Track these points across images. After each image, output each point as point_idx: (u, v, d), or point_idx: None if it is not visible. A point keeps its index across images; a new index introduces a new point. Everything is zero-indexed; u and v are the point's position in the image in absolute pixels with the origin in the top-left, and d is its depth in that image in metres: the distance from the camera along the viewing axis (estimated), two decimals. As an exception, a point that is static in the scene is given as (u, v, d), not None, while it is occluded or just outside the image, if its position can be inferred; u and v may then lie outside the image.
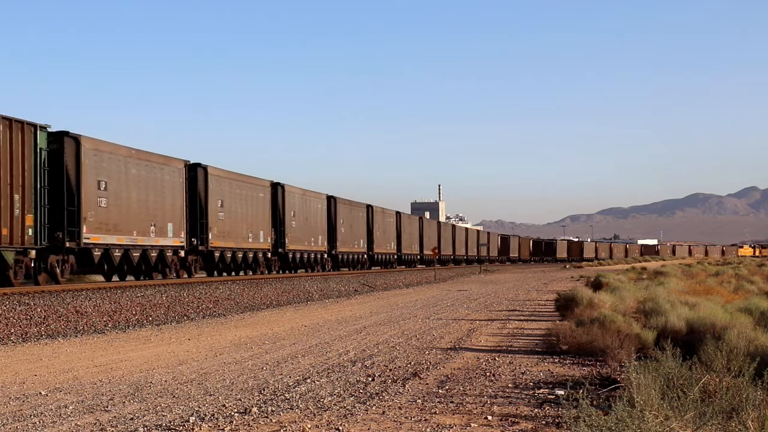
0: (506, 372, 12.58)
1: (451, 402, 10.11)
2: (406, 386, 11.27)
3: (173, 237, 35.31)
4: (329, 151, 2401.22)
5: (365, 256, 64.60)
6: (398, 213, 74.97)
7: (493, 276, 67.58)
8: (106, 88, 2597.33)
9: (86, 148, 29.33)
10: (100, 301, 24.85)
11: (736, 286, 31.35)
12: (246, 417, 9.29)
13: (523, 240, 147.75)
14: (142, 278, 34.15)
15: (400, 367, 13.20)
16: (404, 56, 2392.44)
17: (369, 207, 65.64)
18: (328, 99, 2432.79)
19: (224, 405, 10.01)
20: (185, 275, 37.34)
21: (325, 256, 55.53)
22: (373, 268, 65.83)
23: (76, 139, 28.94)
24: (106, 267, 31.55)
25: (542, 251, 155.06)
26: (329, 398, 10.37)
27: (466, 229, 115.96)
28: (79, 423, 9.10)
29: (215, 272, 41.37)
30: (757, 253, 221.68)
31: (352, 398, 10.38)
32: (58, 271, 28.62)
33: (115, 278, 33.50)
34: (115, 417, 9.38)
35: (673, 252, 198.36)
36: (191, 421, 9.07)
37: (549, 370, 12.80)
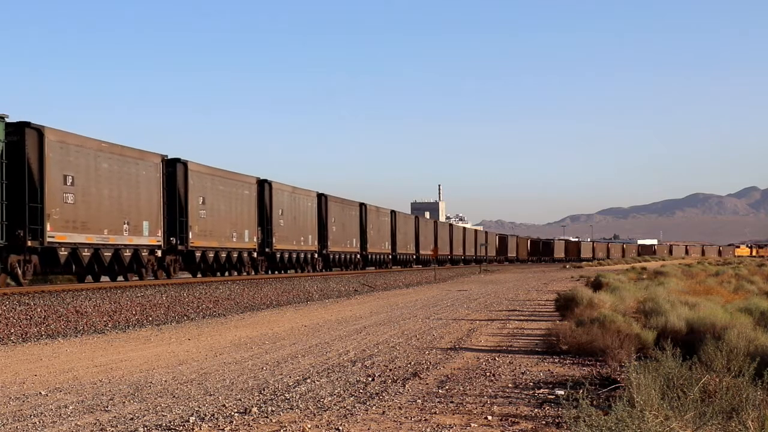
0: (506, 372, 12.57)
1: (451, 402, 10.11)
2: (406, 386, 11.27)
3: (149, 236, 33.47)
4: (329, 151, 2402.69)
5: (358, 255, 62.82)
6: (393, 212, 73.25)
7: (493, 276, 67.57)
8: (106, 88, 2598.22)
9: (50, 140, 27.29)
10: (100, 301, 24.85)
11: (736, 286, 31.34)
12: (246, 417, 9.29)
13: (521, 240, 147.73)
14: (119, 279, 32.77)
15: (400, 367, 13.20)
16: (404, 56, 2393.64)
17: (362, 205, 63.78)
18: (328, 99, 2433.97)
19: (224, 405, 10.01)
20: (164, 276, 35.73)
21: (316, 255, 53.82)
22: (367, 268, 64.09)
23: (39, 131, 26.95)
24: (74, 267, 29.65)
25: (540, 251, 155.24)
26: (329, 398, 10.37)
27: (464, 228, 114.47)
28: (79, 423, 9.10)
29: (198, 273, 39.65)
30: (754, 253, 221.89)
31: (352, 398, 10.37)
32: (19, 272, 26.81)
33: (88, 278, 31.98)
34: (115, 417, 9.38)
35: (670, 252, 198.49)
36: (191, 421, 9.07)
37: (549, 370, 12.80)
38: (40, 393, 11.02)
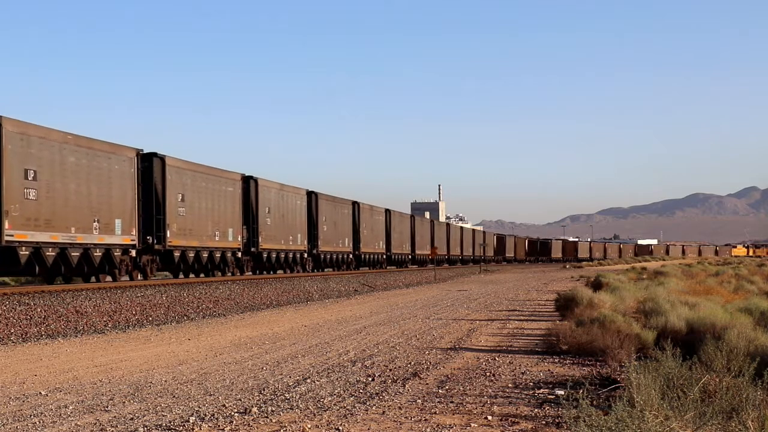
0: (506, 372, 12.57)
1: (451, 402, 10.11)
2: (406, 386, 11.27)
3: (122, 234, 31.59)
4: (329, 152, 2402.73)
5: (351, 256, 60.94)
6: (388, 210, 71.42)
7: (493, 276, 67.57)
8: (106, 88, 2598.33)
9: (9, 131, 25.56)
10: (100, 301, 24.85)
11: (736, 286, 31.34)
12: (246, 417, 9.29)
13: (519, 240, 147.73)
14: (93, 280, 31.38)
15: (400, 367, 13.20)
16: (404, 56, 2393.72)
17: (355, 204, 61.87)
18: (328, 99, 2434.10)
19: (224, 405, 10.01)
20: (140, 277, 34.06)
21: (305, 255, 52.00)
22: (361, 268, 62.47)
23: None
24: (37, 268, 27.91)
25: (537, 251, 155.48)
26: (329, 398, 10.37)
27: (461, 228, 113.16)
28: (79, 423, 9.10)
29: (180, 274, 38.11)
30: (750, 253, 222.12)
31: (352, 398, 10.37)
32: None
33: (59, 280, 30.72)
34: (115, 417, 9.38)
35: (667, 252, 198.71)
36: (191, 421, 9.07)
37: (549, 370, 12.80)
38: (40, 393, 11.02)
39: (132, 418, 9.28)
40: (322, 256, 54.89)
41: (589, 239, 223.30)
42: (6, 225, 25.47)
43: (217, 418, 9.22)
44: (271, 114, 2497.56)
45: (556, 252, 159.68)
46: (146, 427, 8.86)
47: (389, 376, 12.23)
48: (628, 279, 38.37)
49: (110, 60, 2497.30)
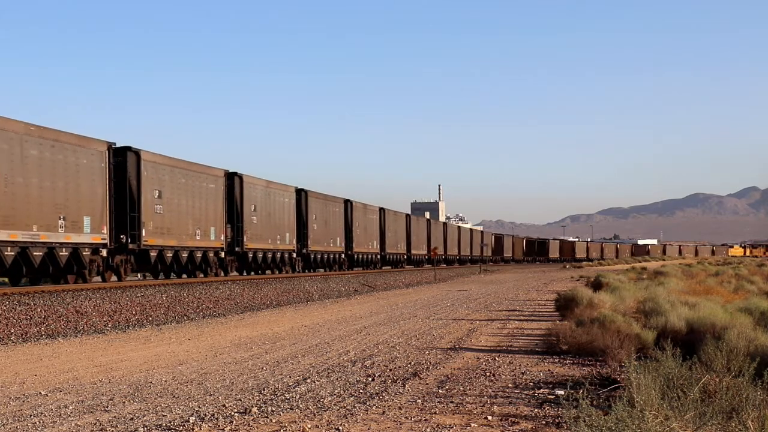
0: (506, 372, 12.57)
1: (451, 402, 10.11)
2: (406, 386, 11.26)
3: (92, 233, 29.64)
4: (329, 152, 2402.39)
5: (343, 255, 59.19)
6: (382, 209, 69.53)
7: (493, 276, 67.56)
8: (106, 88, 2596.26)
9: None
10: (100, 301, 24.85)
11: (736, 286, 31.34)
12: (246, 417, 9.29)
13: (517, 240, 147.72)
14: (61, 282, 29.53)
15: (400, 367, 13.19)
16: (404, 56, 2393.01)
17: (347, 202, 60.03)
18: (328, 99, 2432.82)
19: (224, 405, 10.01)
20: (114, 278, 32.40)
21: (294, 255, 50.21)
22: (354, 269, 60.88)
23: None
24: None
25: (535, 251, 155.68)
26: (329, 398, 10.37)
27: (459, 227, 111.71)
28: (79, 423, 9.10)
29: (160, 275, 36.74)
30: (747, 253, 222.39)
31: (352, 398, 10.37)
32: None
33: (25, 281, 29.30)
34: (115, 417, 9.38)
35: (664, 252, 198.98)
36: (191, 421, 9.06)
37: (549, 370, 12.80)
38: (40, 393, 11.02)
39: (132, 418, 9.28)
40: (313, 256, 53.33)
41: (589, 239, 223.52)
42: None
43: (217, 418, 9.22)
44: (271, 114, 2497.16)
45: (554, 252, 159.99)
46: (146, 427, 8.85)
47: (389, 376, 12.23)
48: (628, 279, 38.36)
49: (110, 60, 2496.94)
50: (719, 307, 17.73)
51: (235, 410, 9.67)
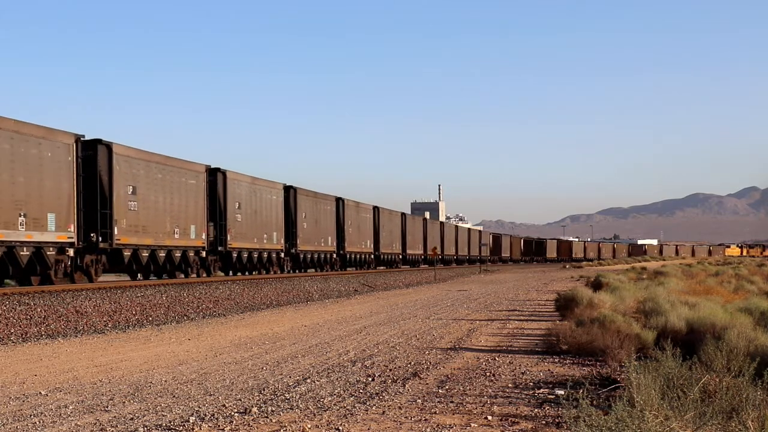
0: (506, 372, 12.57)
1: (451, 402, 10.11)
2: (406, 386, 11.26)
3: (57, 231, 27.78)
4: (329, 152, 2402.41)
5: (335, 255, 57.57)
6: (376, 208, 68.07)
7: (493, 276, 67.56)
8: (107, 88, 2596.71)
9: None
10: (100, 301, 24.85)
11: (736, 286, 31.34)
12: (246, 417, 9.29)
13: (515, 239, 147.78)
14: (25, 283, 28.10)
15: (400, 367, 13.19)
16: (404, 56, 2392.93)
17: (339, 200, 58.62)
18: (329, 99, 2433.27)
19: (224, 405, 10.01)
20: (84, 279, 30.62)
21: (282, 255, 48.55)
22: (348, 269, 59.73)
23: None
24: None
25: (533, 251, 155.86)
26: (329, 398, 10.37)
27: (456, 227, 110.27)
28: (79, 423, 9.10)
29: (138, 275, 35.44)
30: (744, 253, 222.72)
31: (352, 398, 10.37)
32: None
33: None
34: (115, 417, 9.38)
35: (660, 252, 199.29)
36: (191, 421, 9.06)
37: (549, 370, 12.79)
38: (40, 393, 11.02)
39: (132, 418, 9.28)
40: (302, 256, 51.65)
41: (589, 239, 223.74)
42: None
43: (217, 418, 9.22)
44: (272, 114, 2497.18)
45: (551, 252, 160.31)
46: (146, 427, 8.85)
47: (389, 376, 12.23)
48: (628, 279, 38.36)
49: (110, 60, 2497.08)
50: (719, 307, 17.73)
51: (235, 410, 9.68)
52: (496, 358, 14.14)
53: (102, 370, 13.12)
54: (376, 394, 10.68)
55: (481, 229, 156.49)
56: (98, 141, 31.01)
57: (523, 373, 12.40)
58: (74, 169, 28.89)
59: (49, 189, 27.54)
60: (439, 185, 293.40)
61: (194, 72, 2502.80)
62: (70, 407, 9.99)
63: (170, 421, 9.08)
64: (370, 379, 11.93)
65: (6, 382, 12.07)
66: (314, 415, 9.35)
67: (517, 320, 22.28)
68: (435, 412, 9.46)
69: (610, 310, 18.23)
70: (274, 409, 9.73)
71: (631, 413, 6.88)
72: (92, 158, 30.54)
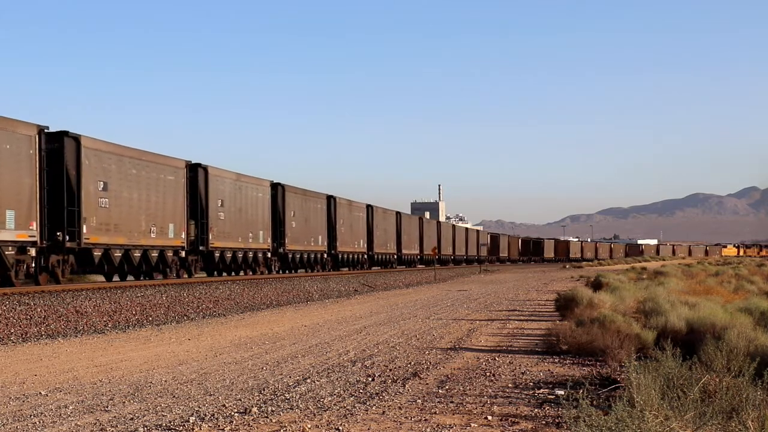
0: (506, 372, 12.57)
1: (451, 402, 10.11)
2: (406, 386, 11.26)
3: (17, 230, 25.84)
4: (329, 152, 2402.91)
5: (326, 255, 56.02)
6: (369, 206, 66.18)
7: (493, 276, 67.57)
8: (106, 88, 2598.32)
9: None
10: (100, 301, 24.85)
11: (736, 286, 31.34)
12: (246, 417, 9.29)
13: (513, 239, 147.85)
14: None
15: (400, 367, 13.20)
16: (404, 56, 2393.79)
17: (330, 198, 57.02)
18: (329, 99, 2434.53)
19: (224, 405, 10.01)
20: (51, 281, 28.85)
21: (269, 255, 47.02)
22: (341, 269, 58.47)
23: None
24: None
25: (531, 251, 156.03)
26: (329, 398, 10.37)
27: (454, 226, 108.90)
28: (79, 423, 9.10)
29: (116, 276, 34.08)
30: (741, 253, 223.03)
31: (352, 398, 10.37)
32: None
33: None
34: (115, 417, 9.38)
35: (657, 252, 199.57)
36: (191, 421, 9.06)
37: (549, 370, 12.80)
38: (40, 393, 11.02)
39: (132, 418, 9.28)
40: (291, 256, 49.82)
41: (589, 239, 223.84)
42: None
43: (217, 418, 9.22)
44: (271, 114, 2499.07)
45: (549, 252, 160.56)
46: (146, 427, 8.85)
47: (389, 376, 12.23)
48: (628, 279, 38.37)
49: (110, 60, 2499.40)
50: (719, 307, 17.73)
51: (235, 410, 9.68)
52: (496, 358, 14.15)
53: (102, 370, 13.12)
54: (376, 394, 10.68)
55: (479, 229, 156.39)
56: (65, 133, 29.19)
57: (523, 373, 12.40)
58: (37, 162, 26.75)
59: (7, 184, 25.46)
60: (439, 185, 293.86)
61: (194, 72, 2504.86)
62: (70, 407, 9.99)
63: (170, 421, 9.08)
64: (370, 379, 11.93)
65: (6, 382, 12.07)
66: (314, 415, 9.35)
67: (517, 320, 22.29)
68: (435, 412, 9.46)
69: (610, 310, 18.23)
70: (274, 409, 9.73)
71: (631, 413, 6.88)
72: (59, 152, 28.72)
